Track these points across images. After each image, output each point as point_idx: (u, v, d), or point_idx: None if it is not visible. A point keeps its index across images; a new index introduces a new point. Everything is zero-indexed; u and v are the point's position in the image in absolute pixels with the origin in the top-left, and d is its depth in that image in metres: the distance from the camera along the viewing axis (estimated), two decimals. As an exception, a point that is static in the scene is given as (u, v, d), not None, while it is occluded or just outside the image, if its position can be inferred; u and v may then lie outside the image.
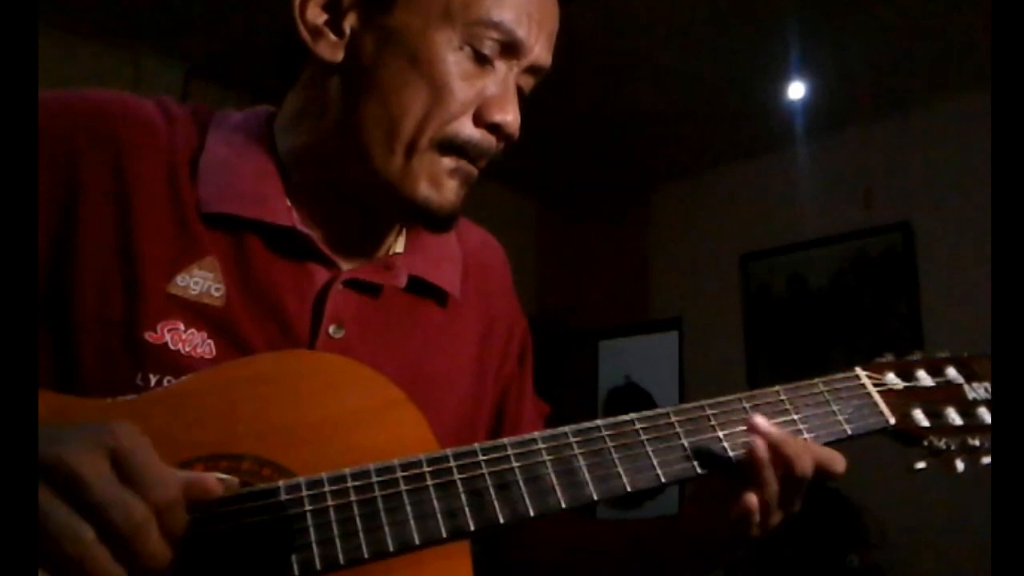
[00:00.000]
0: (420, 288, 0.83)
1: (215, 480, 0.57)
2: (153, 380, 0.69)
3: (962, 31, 2.97)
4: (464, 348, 0.87)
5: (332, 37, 0.77)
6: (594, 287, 4.73)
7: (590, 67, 3.36)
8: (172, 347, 0.70)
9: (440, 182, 0.77)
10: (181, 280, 0.72)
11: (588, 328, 4.66)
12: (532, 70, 0.80)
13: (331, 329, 0.76)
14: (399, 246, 0.86)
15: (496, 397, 0.92)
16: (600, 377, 4.62)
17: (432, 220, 0.79)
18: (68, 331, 0.68)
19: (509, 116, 0.77)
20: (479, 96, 0.76)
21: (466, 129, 0.76)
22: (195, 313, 0.71)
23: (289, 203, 0.79)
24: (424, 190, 0.77)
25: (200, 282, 0.73)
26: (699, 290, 4.28)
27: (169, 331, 0.70)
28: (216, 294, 0.73)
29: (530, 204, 4.85)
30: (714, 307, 4.19)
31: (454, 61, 0.74)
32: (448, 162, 0.77)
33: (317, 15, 0.77)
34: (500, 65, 0.77)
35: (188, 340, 0.70)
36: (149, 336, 0.69)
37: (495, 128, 0.77)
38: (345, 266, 0.80)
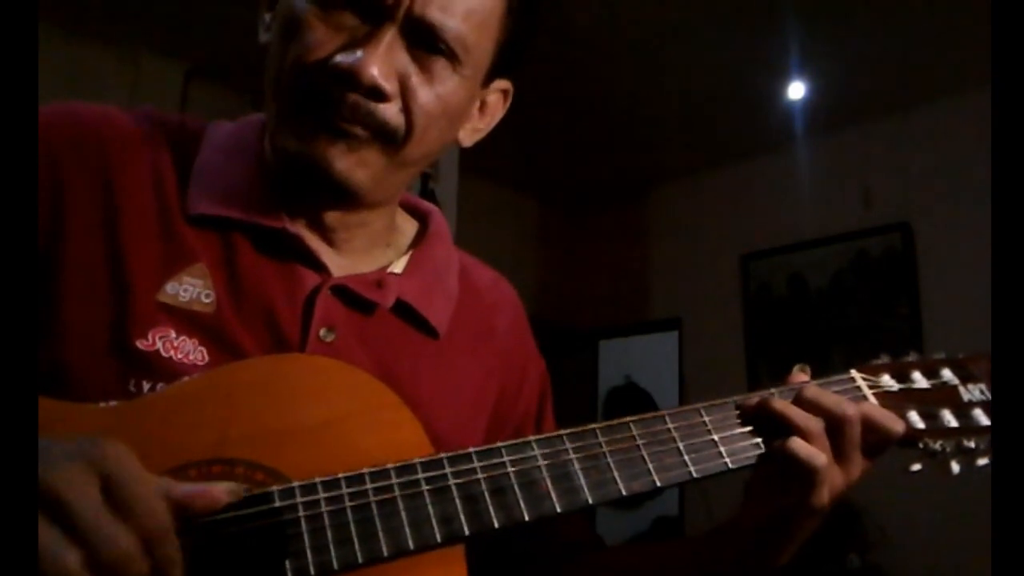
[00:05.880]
0: (408, 315, 0.82)
1: (222, 489, 0.57)
2: (146, 387, 0.68)
3: (962, 31, 2.97)
4: (456, 384, 0.84)
5: (266, 25, 0.80)
6: (594, 287, 4.74)
7: (590, 67, 3.36)
8: (164, 354, 0.69)
9: (312, 141, 0.73)
10: (171, 288, 0.72)
11: (588, 328, 4.67)
12: (413, 23, 0.72)
13: (321, 332, 0.75)
14: (398, 267, 0.85)
15: (506, 437, 0.89)
16: (600, 377, 4.63)
17: (329, 184, 0.74)
18: (57, 339, 0.68)
19: (354, 58, 0.70)
20: (332, 44, 0.72)
21: (320, 77, 0.71)
22: (185, 320, 0.71)
23: (278, 205, 0.78)
24: (294, 146, 0.73)
25: (190, 289, 0.72)
26: (699, 290, 4.28)
27: (160, 338, 0.70)
28: (206, 300, 0.72)
29: (530, 204, 4.85)
30: (714, 307, 4.19)
31: (309, 11, 0.72)
32: (313, 120, 0.72)
33: (264, 8, 0.81)
34: (359, 15, 0.72)
35: (180, 347, 0.70)
36: (140, 343, 0.69)
37: (348, 75, 0.71)
38: (336, 271, 0.80)
